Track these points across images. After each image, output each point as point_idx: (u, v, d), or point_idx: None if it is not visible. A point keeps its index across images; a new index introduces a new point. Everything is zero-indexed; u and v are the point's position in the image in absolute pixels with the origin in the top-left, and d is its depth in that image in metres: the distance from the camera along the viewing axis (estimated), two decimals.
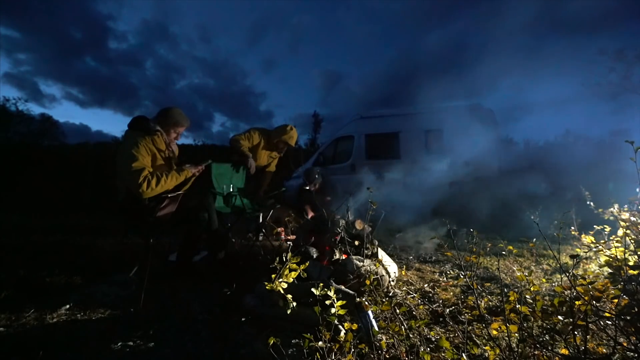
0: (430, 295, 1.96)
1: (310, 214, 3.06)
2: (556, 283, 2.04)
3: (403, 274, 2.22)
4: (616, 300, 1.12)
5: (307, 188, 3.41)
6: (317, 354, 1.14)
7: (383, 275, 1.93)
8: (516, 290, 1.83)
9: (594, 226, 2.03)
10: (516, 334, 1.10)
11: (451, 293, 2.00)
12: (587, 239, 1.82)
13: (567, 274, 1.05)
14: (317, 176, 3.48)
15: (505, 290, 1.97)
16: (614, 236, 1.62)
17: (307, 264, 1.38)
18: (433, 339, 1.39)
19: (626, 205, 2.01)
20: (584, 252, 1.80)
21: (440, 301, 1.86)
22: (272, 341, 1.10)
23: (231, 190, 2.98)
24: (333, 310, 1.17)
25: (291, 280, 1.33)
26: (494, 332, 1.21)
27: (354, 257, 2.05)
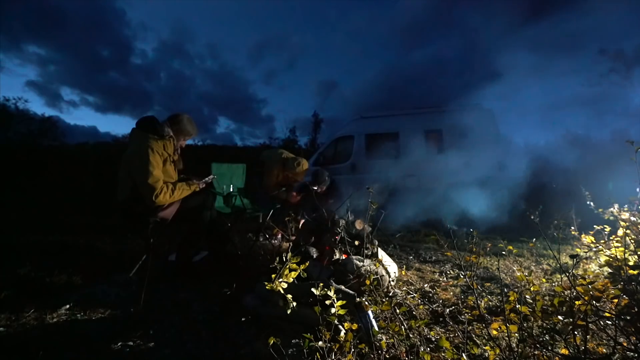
0: (430, 295, 1.96)
1: (302, 221, 3.01)
2: (556, 283, 2.04)
3: (403, 274, 2.22)
4: (616, 300, 1.12)
5: (315, 188, 3.34)
6: (317, 354, 1.14)
7: (383, 275, 1.93)
8: (516, 290, 1.83)
9: (594, 226, 2.03)
10: (516, 334, 1.10)
11: (451, 293, 2.00)
12: (587, 239, 1.82)
13: (567, 274, 1.05)
14: (326, 178, 3.39)
15: (505, 290, 1.97)
16: (614, 236, 1.61)
17: (307, 264, 1.38)
18: (433, 339, 1.39)
19: (626, 205, 2.00)
20: (584, 252, 1.80)
21: (440, 301, 1.86)
22: (272, 341, 1.10)
23: (231, 190, 2.98)
24: (333, 310, 1.17)
25: (291, 280, 1.33)
26: (494, 332, 1.21)
27: (354, 257, 2.05)
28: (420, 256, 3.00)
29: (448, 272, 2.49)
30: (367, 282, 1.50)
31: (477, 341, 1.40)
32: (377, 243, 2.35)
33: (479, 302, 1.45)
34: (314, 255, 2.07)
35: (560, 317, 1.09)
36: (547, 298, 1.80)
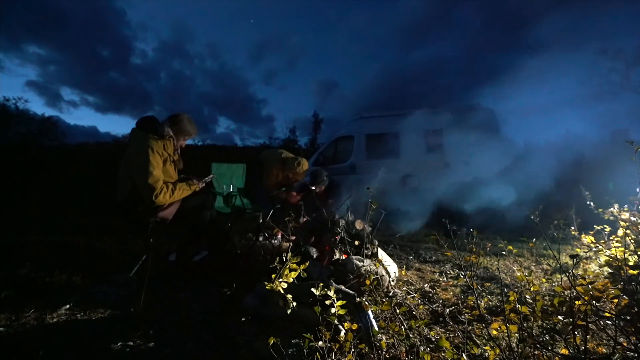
0: (430, 295, 1.96)
1: (305, 218, 3.00)
2: (556, 283, 2.04)
3: (403, 274, 2.22)
4: (616, 300, 1.12)
5: (313, 188, 3.34)
6: (317, 354, 1.14)
7: (383, 275, 1.93)
8: (516, 290, 1.83)
9: (594, 226, 2.03)
10: (516, 334, 1.10)
11: (451, 293, 2.00)
12: (587, 239, 1.82)
13: (567, 274, 1.05)
14: (324, 178, 3.39)
15: (505, 290, 1.97)
16: (614, 236, 1.61)
17: (307, 264, 1.38)
18: (433, 339, 1.39)
19: (626, 205, 2.00)
20: (584, 252, 1.80)
21: (440, 301, 1.86)
22: (272, 341, 1.10)
23: (231, 190, 2.98)
24: (333, 310, 1.17)
25: (291, 280, 1.33)
26: (494, 332, 1.21)
27: (354, 257, 2.05)
28: (420, 256, 3.00)
29: (448, 272, 2.49)
30: (367, 282, 1.50)
31: (477, 341, 1.40)
32: (377, 243, 2.35)
33: (479, 302, 1.45)
34: (314, 255, 2.07)
35: (560, 317, 1.09)
36: (547, 298, 1.80)
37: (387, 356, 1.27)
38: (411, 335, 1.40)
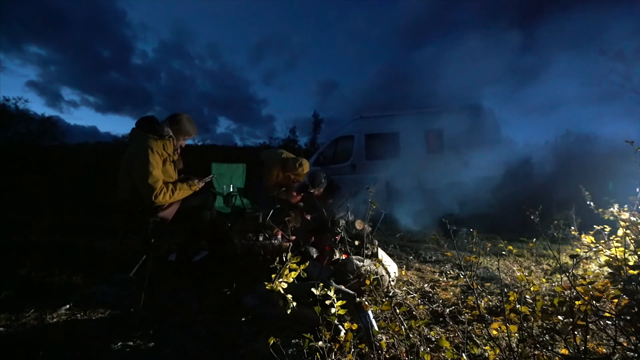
0: (430, 295, 1.96)
1: (305, 218, 3.00)
2: (556, 283, 2.04)
3: (403, 274, 2.22)
4: (616, 300, 1.12)
5: (311, 191, 3.35)
6: (317, 354, 1.14)
7: (383, 275, 1.93)
8: (516, 290, 1.83)
9: (594, 226, 2.03)
10: (516, 334, 1.10)
11: (451, 293, 2.01)
12: (587, 239, 1.82)
13: (567, 274, 1.05)
14: (323, 180, 3.39)
15: (505, 290, 1.97)
16: (614, 236, 1.61)
17: (307, 264, 1.38)
18: (433, 339, 1.39)
19: (626, 205, 2.00)
20: (584, 252, 1.80)
21: (440, 301, 1.86)
22: (272, 341, 1.10)
23: (231, 190, 2.98)
24: (333, 310, 1.17)
25: (291, 280, 1.33)
26: (494, 332, 1.21)
27: (354, 257, 2.05)
28: (420, 256, 3.00)
29: (448, 272, 2.49)
30: (367, 282, 1.50)
31: (477, 341, 1.40)
32: (377, 243, 2.35)
33: (479, 302, 1.45)
34: (314, 255, 2.07)
35: (560, 317, 1.09)
36: (547, 298, 1.80)
37: (387, 356, 1.27)
38: (411, 335, 1.40)
